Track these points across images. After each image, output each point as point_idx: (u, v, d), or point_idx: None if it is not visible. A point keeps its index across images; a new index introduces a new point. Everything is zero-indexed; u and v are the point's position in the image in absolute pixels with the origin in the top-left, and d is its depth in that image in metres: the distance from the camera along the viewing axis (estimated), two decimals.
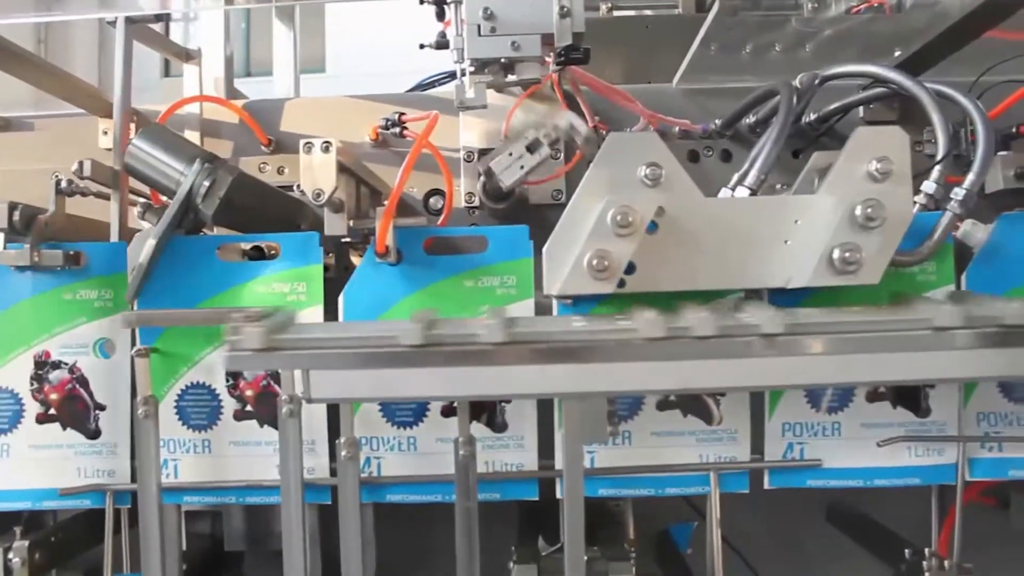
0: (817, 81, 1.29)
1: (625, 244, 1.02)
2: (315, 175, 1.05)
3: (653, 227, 1.07)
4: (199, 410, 1.20)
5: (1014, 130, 1.41)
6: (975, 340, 0.96)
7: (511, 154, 1.11)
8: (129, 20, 1.27)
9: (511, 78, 1.17)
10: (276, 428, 1.17)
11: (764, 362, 0.95)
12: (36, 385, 1.21)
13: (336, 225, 1.09)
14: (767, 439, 1.20)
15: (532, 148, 1.11)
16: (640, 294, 1.08)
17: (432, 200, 1.48)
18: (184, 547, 1.36)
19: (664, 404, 1.19)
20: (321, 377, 0.98)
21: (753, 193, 1.15)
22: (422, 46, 1.35)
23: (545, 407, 1.19)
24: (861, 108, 1.48)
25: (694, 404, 1.20)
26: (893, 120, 1.47)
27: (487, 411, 1.19)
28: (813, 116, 1.45)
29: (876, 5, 1.69)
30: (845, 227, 1.04)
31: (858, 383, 1.16)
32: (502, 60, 1.15)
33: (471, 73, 1.19)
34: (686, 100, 1.51)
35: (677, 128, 1.47)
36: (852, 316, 1.01)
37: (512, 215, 1.43)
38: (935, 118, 1.21)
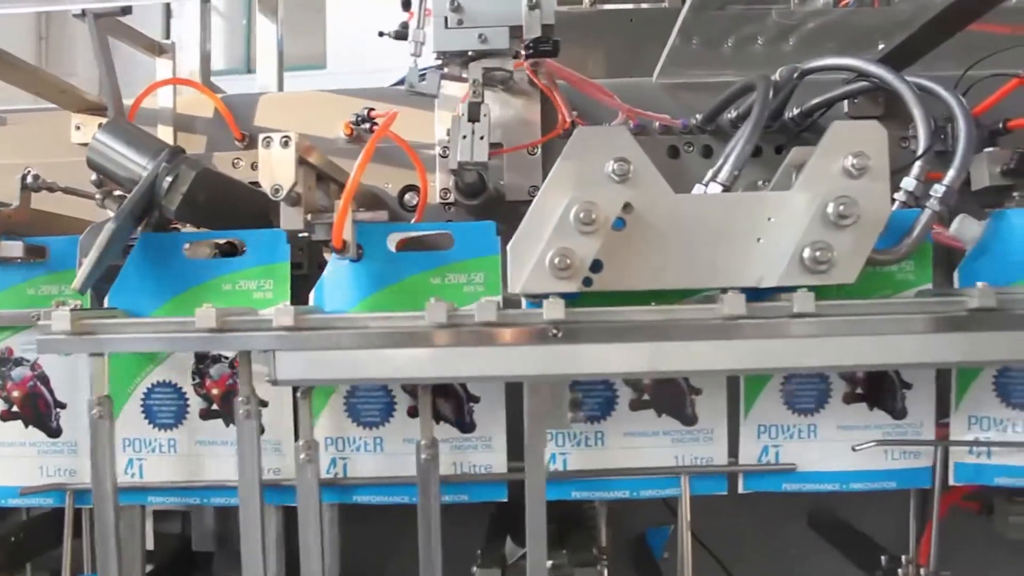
0: (796, 75, 1.26)
1: (589, 242, 1.00)
2: (274, 170, 1.03)
3: (621, 224, 1.04)
4: (165, 409, 1.18)
5: (1001, 125, 1.38)
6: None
7: (464, 136, 1.09)
8: (95, 15, 1.25)
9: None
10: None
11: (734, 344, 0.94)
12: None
13: (292, 219, 1.06)
14: (742, 441, 1.17)
15: (474, 116, 1.08)
16: (611, 293, 1.06)
17: (407, 196, 1.45)
18: (152, 547, 1.35)
19: (638, 403, 1.17)
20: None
21: (726, 189, 1.13)
22: (381, 34, 1.33)
23: (514, 408, 1.16)
24: (846, 103, 1.44)
25: (669, 403, 1.17)
26: (878, 115, 1.44)
27: (455, 411, 1.17)
28: (796, 111, 1.42)
29: None
30: (817, 225, 1.02)
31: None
32: (469, 53, 1.13)
33: (439, 66, 1.16)
34: (667, 95, 1.48)
35: (657, 123, 1.44)
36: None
37: (488, 212, 1.40)
38: (916, 113, 1.18)
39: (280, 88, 1.90)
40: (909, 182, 1.17)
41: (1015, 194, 1.27)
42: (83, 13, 1.26)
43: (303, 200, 1.08)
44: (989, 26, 1.48)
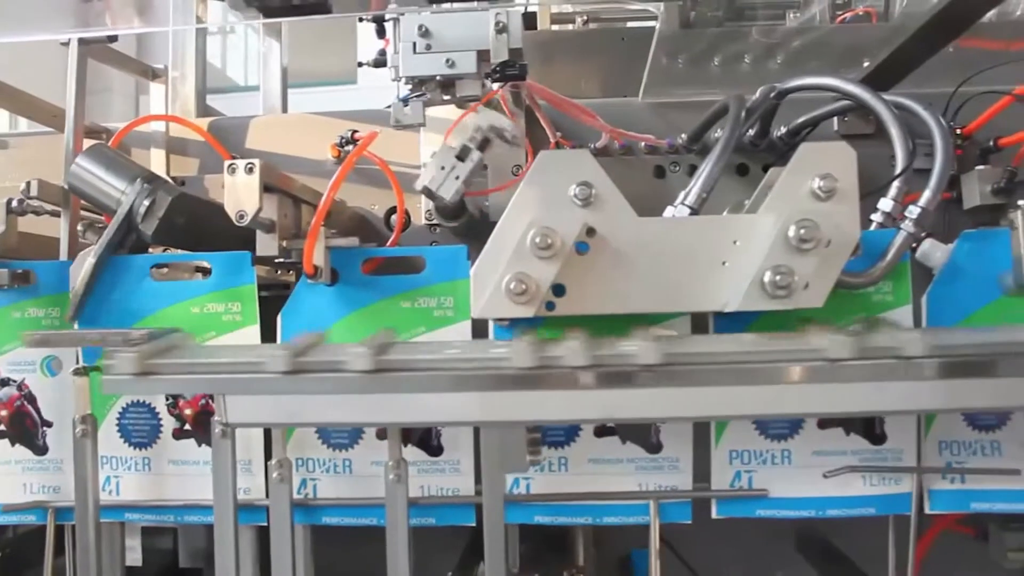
0: (774, 95, 1.25)
1: (547, 267, 0.99)
2: (238, 196, 1.04)
3: (584, 247, 1.04)
4: (139, 428, 1.21)
5: (992, 143, 1.35)
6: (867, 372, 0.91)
7: (443, 168, 1.09)
8: (82, 41, 1.28)
9: (447, 97, 1.14)
10: (28, 447, 1.20)
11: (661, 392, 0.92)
12: None
13: (267, 246, 1.08)
14: (714, 467, 1.16)
15: (462, 156, 1.09)
16: (581, 316, 1.05)
17: (394, 218, 1.46)
18: (141, 563, 1.38)
19: (602, 431, 1.16)
20: (236, 401, 0.98)
21: (694, 212, 1.12)
22: (360, 64, 1.34)
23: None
24: (835, 120, 1.42)
25: (634, 431, 1.16)
26: (869, 132, 1.42)
27: (422, 434, 1.17)
28: (783, 129, 1.40)
29: (862, 13, 1.65)
30: (780, 249, 1.00)
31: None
32: (437, 78, 1.13)
33: (420, 94, 1.17)
34: (654, 114, 1.47)
35: (643, 143, 1.43)
36: (735, 346, 0.96)
37: (473, 232, 1.41)
38: (893, 132, 1.16)
39: (284, 108, 1.93)
40: (886, 203, 1.15)
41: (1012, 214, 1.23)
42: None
43: (278, 226, 1.10)
44: (981, 42, 1.45)
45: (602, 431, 1.16)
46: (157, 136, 1.48)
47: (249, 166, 1.05)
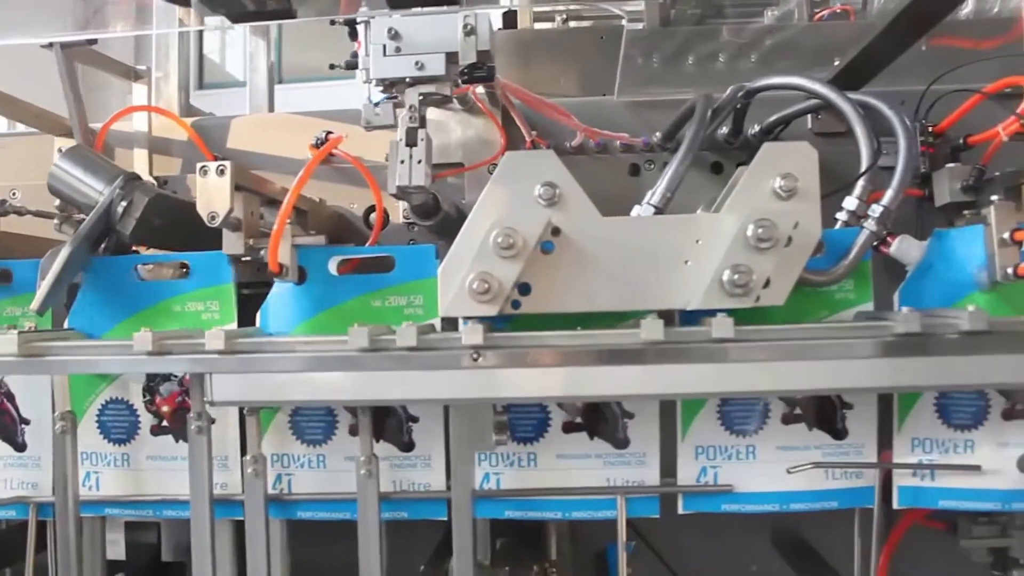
0: (742, 93, 1.26)
1: (509, 266, 1.01)
2: (210, 197, 1.06)
3: (550, 247, 1.06)
4: (119, 425, 1.23)
5: (962, 141, 1.36)
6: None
7: (402, 161, 1.11)
8: (63, 45, 1.30)
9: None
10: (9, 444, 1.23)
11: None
12: None
13: (233, 245, 1.10)
14: (680, 462, 1.18)
15: (412, 140, 1.10)
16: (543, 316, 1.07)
17: (372, 217, 1.48)
18: (125, 557, 1.40)
19: (570, 426, 1.18)
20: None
21: (659, 211, 1.13)
22: (332, 66, 1.36)
23: None
24: (809, 118, 1.43)
25: (601, 426, 1.18)
26: (843, 131, 1.42)
27: (395, 431, 1.19)
28: (757, 128, 1.41)
29: (839, 11, 1.66)
30: (739, 247, 1.02)
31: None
32: (407, 79, 1.15)
33: (391, 95, 1.18)
34: (629, 112, 1.48)
35: (618, 142, 1.44)
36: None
37: (449, 230, 1.42)
38: (858, 131, 1.17)
39: (271, 105, 1.96)
40: (851, 201, 1.16)
41: (965, 212, 1.25)
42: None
43: (244, 225, 1.12)
44: (956, 40, 1.46)
45: (570, 427, 1.18)
46: (139, 136, 1.50)
47: (220, 168, 1.06)
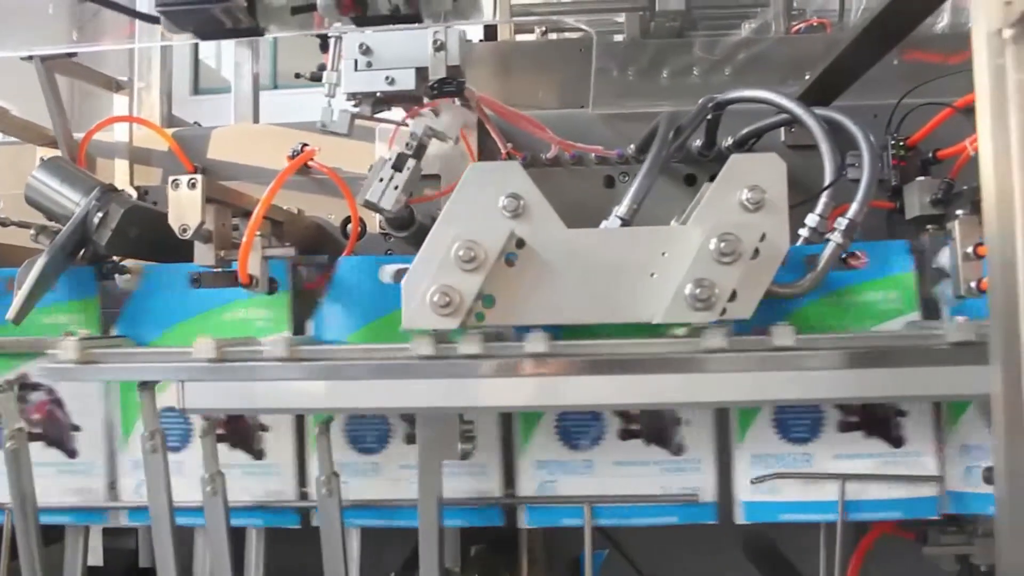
0: (711, 105, 1.28)
1: (471, 279, 1.02)
2: (182, 210, 1.08)
3: (514, 258, 1.07)
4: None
5: (931, 155, 1.37)
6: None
7: (381, 179, 1.12)
8: (44, 58, 1.32)
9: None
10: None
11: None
12: None
13: (204, 256, 1.11)
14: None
15: (399, 165, 1.12)
16: None
17: (350, 227, 1.50)
18: (102, 563, 1.42)
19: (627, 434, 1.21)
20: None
21: (625, 223, 1.15)
22: (298, 76, 1.38)
23: None
24: (782, 131, 1.45)
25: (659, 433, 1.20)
26: (815, 143, 1.44)
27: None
28: (731, 140, 1.43)
29: (816, 24, 1.67)
30: (703, 261, 1.02)
31: None
32: (378, 94, 1.17)
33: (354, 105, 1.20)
34: (604, 125, 1.50)
35: (593, 154, 1.46)
36: None
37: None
38: (822, 147, 1.19)
39: (256, 116, 1.97)
40: (813, 218, 1.18)
41: (928, 227, 1.26)
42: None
43: (215, 236, 1.13)
44: (930, 55, 1.48)
45: (627, 434, 1.21)
46: (120, 147, 1.52)
47: (192, 181, 1.08)
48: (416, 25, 1.13)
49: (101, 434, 1.25)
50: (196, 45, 1.74)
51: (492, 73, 1.70)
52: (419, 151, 1.14)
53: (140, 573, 1.44)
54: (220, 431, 1.21)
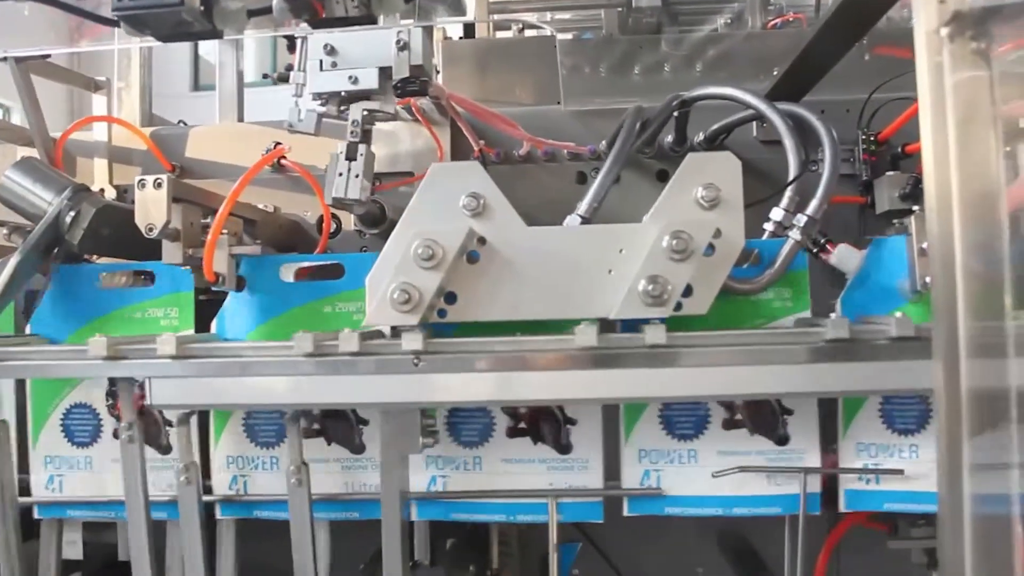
0: (676, 103, 1.28)
1: (430, 276, 1.04)
2: (148, 209, 1.09)
3: (476, 256, 1.08)
4: (82, 429, 1.27)
5: (900, 149, 1.38)
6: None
7: (340, 174, 1.14)
8: (17, 60, 1.34)
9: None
10: (152, 447, 1.26)
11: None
12: None
13: (172, 254, 1.13)
14: (623, 465, 1.20)
15: (351, 155, 1.13)
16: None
17: None
18: (82, 556, 1.44)
19: (514, 432, 1.21)
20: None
21: (586, 221, 1.16)
22: (265, 76, 1.39)
23: None
24: (754, 126, 1.45)
25: (546, 432, 1.21)
26: None
27: (344, 433, 1.23)
28: (702, 136, 1.44)
29: (792, 20, 1.68)
30: (658, 258, 1.03)
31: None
32: (342, 93, 1.18)
33: (319, 104, 1.21)
34: (576, 122, 1.50)
35: (566, 150, 1.47)
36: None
37: None
38: (786, 142, 1.20)
39: (240, 115, 1.98)
40: (777, 212, 1.19)
41: (895, 221, 1.26)
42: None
43: (183, 235, 1.15)
44: (897, 49, 1.48)
45: (515, 432, 1.21)
46: (99, 146, 1.54)
47: (158, 181, 1.09)
48: (379, 26, 1.14)
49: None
50: (196, 43, 1.76)
51: (470, 70, 1.71)
52: (366, 136, 1.15)
53: (120, 566, 1.47)
54: None
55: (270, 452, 1.25)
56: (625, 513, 1.23)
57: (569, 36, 1.86)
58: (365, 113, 1.19)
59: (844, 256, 1.21)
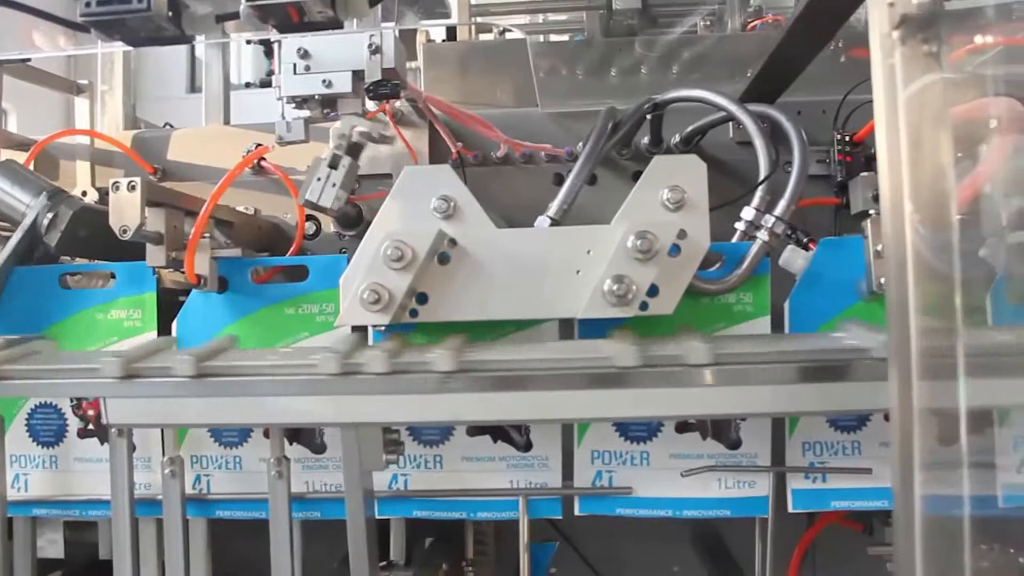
0: (648, 106, 1.30)
1: (400, 277, 1.05)
2: (121, 211, 1.11)
3: (448, 257, 1.10)
4: (47, 428, 1.28)
5: (873, 150, 1.38)
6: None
7: (319, 179, 1.14)
8: None
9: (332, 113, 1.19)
10: None
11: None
12: None
13: (155, 257, 1.14)
14: (576, 466, 1.21)
15: (334, 164, 1.14)
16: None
17: (308, 225, 1.52)
18: (63, 555, 1.45)
19: (475, 430, 1.22)
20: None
21: (555, 223, 1.17)
22: (247, 84, 1.40)
23: None
24: (730, 127, 1.46)
25: (504, 431, 1.22)
26: None
27: (306, 433, 1.24)
28: (678, 137, 1.45)
29: (771, 21, 1.69)
30: (622, 258, 1.05)
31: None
32: (316, 97, 1.19)
33: (293, 107, 1.22)
34: (554, 123, 1.51)
35: (543, 153, 1.48)
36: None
37: None
38: (757, 143, 1.20)
39: (227, 116, 2.00)
40: (748, 212, 1.19)
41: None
42: None
43: (166, 238, 1.16)
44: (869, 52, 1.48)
45: (475, 431, 1.22)
46: (81, 149, 1.55)
47: (131, 184, 1.11)
48: (353, 30, 1.15)
49: None
50: (193, 46, 1.77)
51: (451, 72, 1.73)
52: (352, 149, 1.16)
53: (101, 565, 1.48)
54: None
55: (233, 452, 1.26)
56: (576, 512, 1.24)
57: (557, 39, 1.87)
58: (351, 129, 1.19)
59: (789, 258, 1.21)
